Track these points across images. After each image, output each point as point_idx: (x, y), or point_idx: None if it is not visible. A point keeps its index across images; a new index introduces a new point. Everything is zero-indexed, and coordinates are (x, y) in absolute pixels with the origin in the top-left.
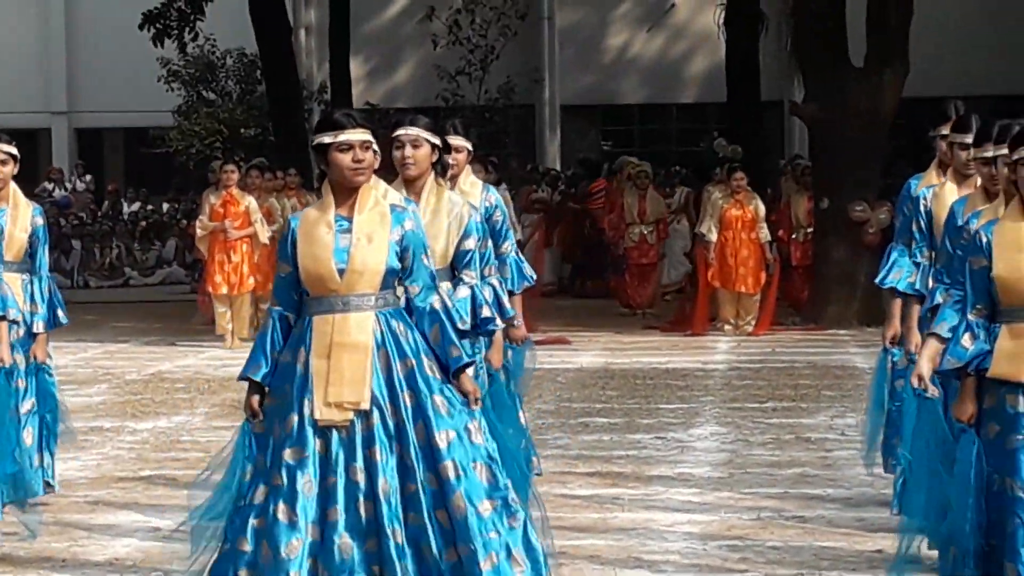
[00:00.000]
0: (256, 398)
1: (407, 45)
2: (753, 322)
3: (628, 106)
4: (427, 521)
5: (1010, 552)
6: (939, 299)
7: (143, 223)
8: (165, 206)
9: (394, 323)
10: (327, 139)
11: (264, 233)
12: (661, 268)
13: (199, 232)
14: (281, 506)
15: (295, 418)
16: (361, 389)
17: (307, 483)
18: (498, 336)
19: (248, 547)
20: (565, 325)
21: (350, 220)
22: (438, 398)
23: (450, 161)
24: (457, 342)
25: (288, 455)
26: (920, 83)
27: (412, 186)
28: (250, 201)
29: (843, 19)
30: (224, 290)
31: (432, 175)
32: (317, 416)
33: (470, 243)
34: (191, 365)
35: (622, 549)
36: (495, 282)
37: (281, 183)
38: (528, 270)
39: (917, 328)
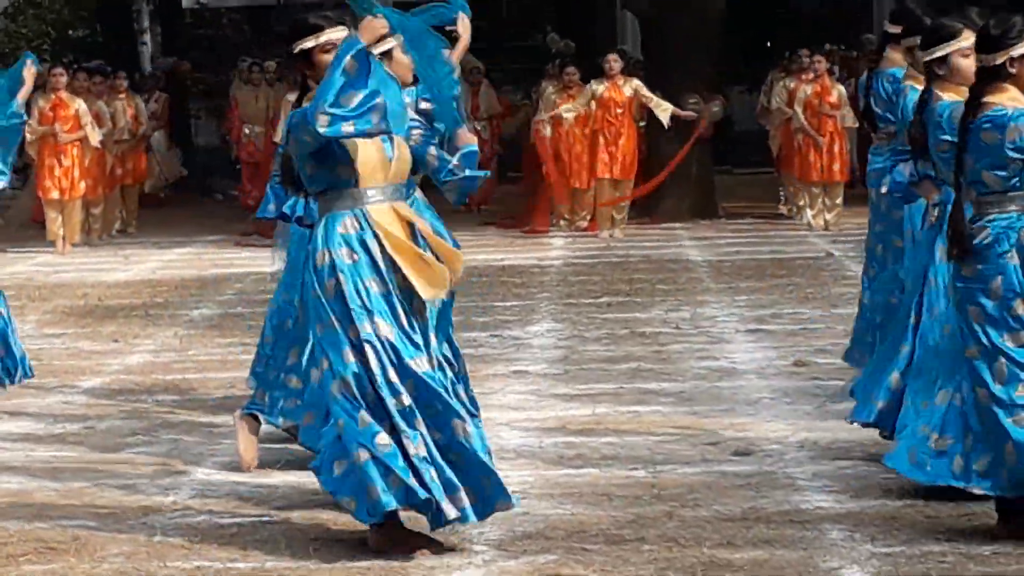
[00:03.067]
0: None
1: None
2: (588, 217)
3: None
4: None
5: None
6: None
7: None
8: None
9: None
10: (310, 43)
11: (95, 136)
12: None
13: (28, 136)
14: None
15: (405, 317)
16: (443, 268)
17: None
18: None
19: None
20: None
21: None
22: None
23: None
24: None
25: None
26: None
27: None
28: (80, 104)
29: None
30: (55, 195)
31: None
32: (427, 296)
33: None
34: (21, 272)
35: None
36: None
37: (109, 86)
38: None
39: None
